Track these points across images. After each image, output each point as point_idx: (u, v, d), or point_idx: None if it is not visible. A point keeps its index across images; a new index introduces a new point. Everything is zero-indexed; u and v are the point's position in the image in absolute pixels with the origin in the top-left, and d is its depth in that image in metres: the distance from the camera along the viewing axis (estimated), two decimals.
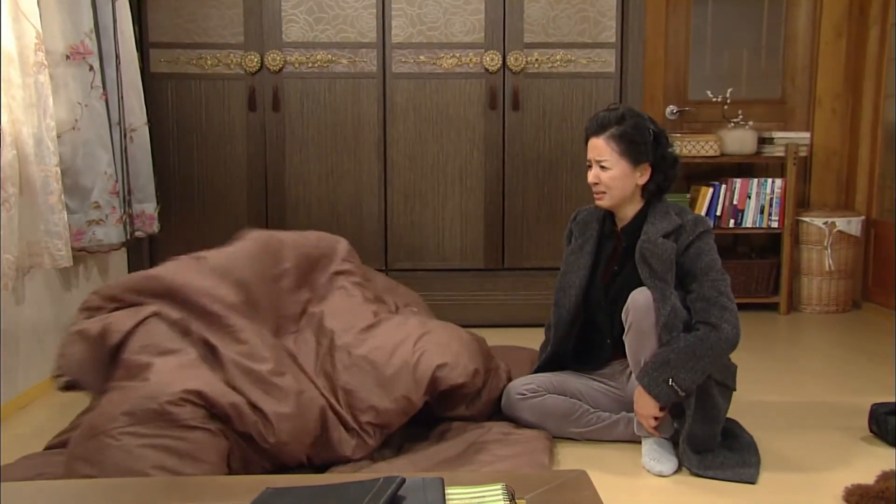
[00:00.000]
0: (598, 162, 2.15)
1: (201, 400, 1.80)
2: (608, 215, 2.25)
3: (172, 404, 1.77)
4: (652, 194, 2.18)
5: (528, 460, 2.01)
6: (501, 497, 1.18)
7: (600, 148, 2.14)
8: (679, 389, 1.99)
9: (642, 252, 2.09)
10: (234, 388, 1.87)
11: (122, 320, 1.93)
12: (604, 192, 2.17)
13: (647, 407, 2.05)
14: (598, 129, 2.15)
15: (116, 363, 1.89)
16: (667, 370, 2.00)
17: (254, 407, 1.87)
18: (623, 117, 2.14)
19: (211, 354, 1.94)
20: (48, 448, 2.11)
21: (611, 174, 2.14)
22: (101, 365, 1.91)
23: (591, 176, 2.17)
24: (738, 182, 3.76)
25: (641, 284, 2.08)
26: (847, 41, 3.98)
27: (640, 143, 2.13)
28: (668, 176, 2.18)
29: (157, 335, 1.90)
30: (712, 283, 2.06)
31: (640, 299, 2.04)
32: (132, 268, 3.41)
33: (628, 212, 2.20)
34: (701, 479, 2.03)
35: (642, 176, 2.15)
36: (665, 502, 1.92)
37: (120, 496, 1.36)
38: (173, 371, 1.84)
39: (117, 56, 2.87)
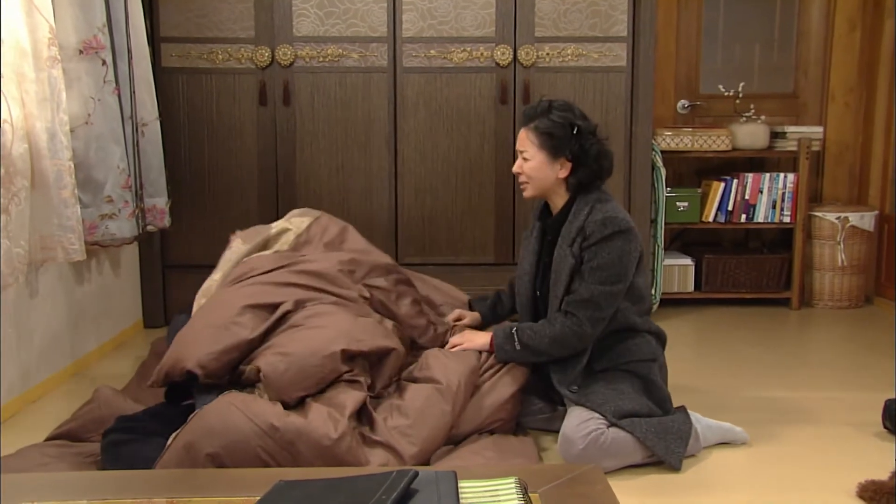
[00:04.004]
0: (521, 152, 2.20)
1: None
2: (546, 205, 2.28)
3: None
4: (575, 188, 2.18)
5: (523, 462, 2.02)
6: (514, 491, 1.18)
7: (522, 138, 2.20)
8: (516, 353, 2.17)
9: (553, 264, 2.18)
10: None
11: None
12: (526, 183, 2.22)
13: (476, 340, 2.24)
14: (524, 119, 2.21)
15: None
16: (522, 340, 2.16)
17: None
18: (548, 110, 2.16)
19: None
20: (49, 439, 2.12)
21: (530, 165, 2.19)
22: None
23: (515, 165, 2.23)
24: (749, 177, 3.74)
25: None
26: (861, 34, 3.95)
27: (560, 137, 2.14)
28: (592, 172, 2.16)
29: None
30: (591, 289, 2.09)
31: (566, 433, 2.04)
32: (144, 262, 3.42)
33: (557, 203, 2.23)
34: (710, 476, 2.02)
35: (562, 169, 2.16)
36: (675, 499, 1.91)
37: (130, 488, 1.36)
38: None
39: (129, 50, 2.88)
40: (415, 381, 2.11)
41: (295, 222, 2.53)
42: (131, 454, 1.87)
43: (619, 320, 2.15)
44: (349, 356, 2.00)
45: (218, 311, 2.06)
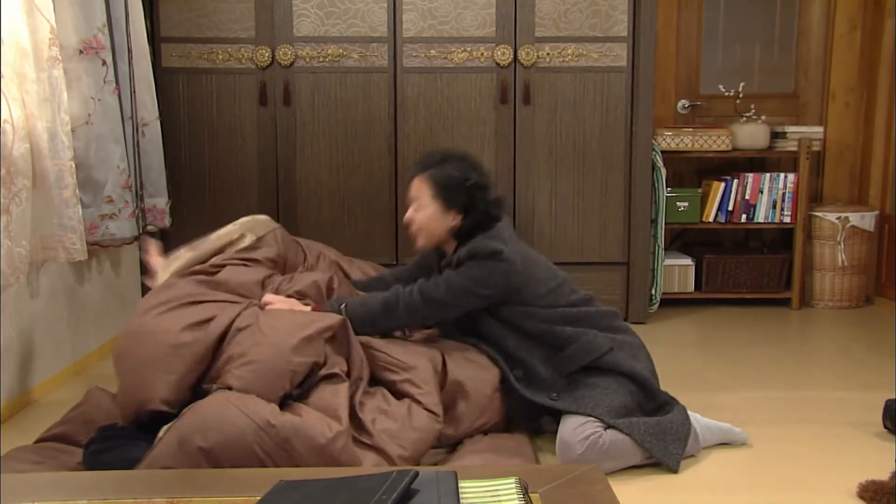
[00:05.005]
0: (414, 199, 2.24)
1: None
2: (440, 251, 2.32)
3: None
4: (462, 237, 2.22)
5: (519, 462, 2.01)
6: (515, 491, 1.18)
7: (417, 186, 2.24)
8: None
9: None
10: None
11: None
12: (417, 232, 2.25)
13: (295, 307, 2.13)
14: (419, 168, 2.25)
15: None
16: (349, 303, 2.18)
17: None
18: (444, 161, 2.22)
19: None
20: (39, 441, 2.09)
21: (423, 214, 2.23)
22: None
23: (407, 214, 2.26)
24: (750, 177, 3.74)
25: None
26: (862, 34, 3.95)
27: (454, 188, 2.19)
28: (476, 224, 2.20)
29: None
30: (442, 275, 2.17)
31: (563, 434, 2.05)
32: (144, 263, 3.42)
33: (447, 250, 2.27)
34: (710, 476, 2.02)
35: (454, 220, 2.21)
36: (675, 499, 1.91)
37: (130, 488, 1.36)
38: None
39: (129, 50, 2.88)
40: (393, 385, 2.09)
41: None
42: (115, 460, 1.84)
43: (543, 322, 2.16)
44: (311, 341, 1.96)
45: (153, 343, 1.96)
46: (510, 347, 2.20)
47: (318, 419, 1.84)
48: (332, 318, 2.05)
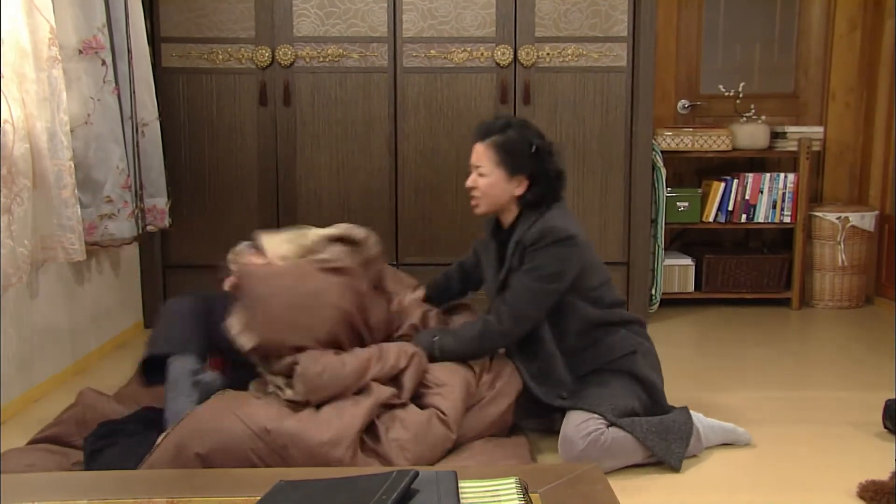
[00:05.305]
0: (476, 168, 2.20)
1: None
2: (497, 221, 2.30)
3: None
4: (527, 205, 2.19)
5: (515, 462, 2.01)
6: (515, 490, 1.18)
7: (480, 154, 2.20)
8: (437, 360, 2.14)
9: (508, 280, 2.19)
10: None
11: None
12: (479, 199, 2.22)
13: None
14: (481, 135, 2.20)
15: None
16: (442, 337, 2.18)
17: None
18: (507, 127, 2.18)
19: None
20: (32, 442, 2.09)
21: (486, 181, 2.19)
22: None
23: (469, 180, 2.22)
24: (750, 177, 3.74)
25: None
26: (862, 34, 3.95)
27: (518, 154, 2.16)
28: (548, 190, 2.18)
29: None
30: (519, 283, 2.12)
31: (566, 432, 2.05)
32: (144, 262, 3.42)
33: (506, 219, 2.25)
34: (711, 475, 2.02)
35: (518, 187, 2.18)
36: (676, 499, 1.91)
37: (130, 488, 1.36)
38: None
39: (129, 51, 2.88)
40: (423, 398, 2.09)
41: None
42: (116, 458, 1.85)
43: (584, 321, 2.16)
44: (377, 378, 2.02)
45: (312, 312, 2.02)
46: (543, 338, 2.16)
47: (322, 424, 1.83)
48: (406, 357, 2.08)
